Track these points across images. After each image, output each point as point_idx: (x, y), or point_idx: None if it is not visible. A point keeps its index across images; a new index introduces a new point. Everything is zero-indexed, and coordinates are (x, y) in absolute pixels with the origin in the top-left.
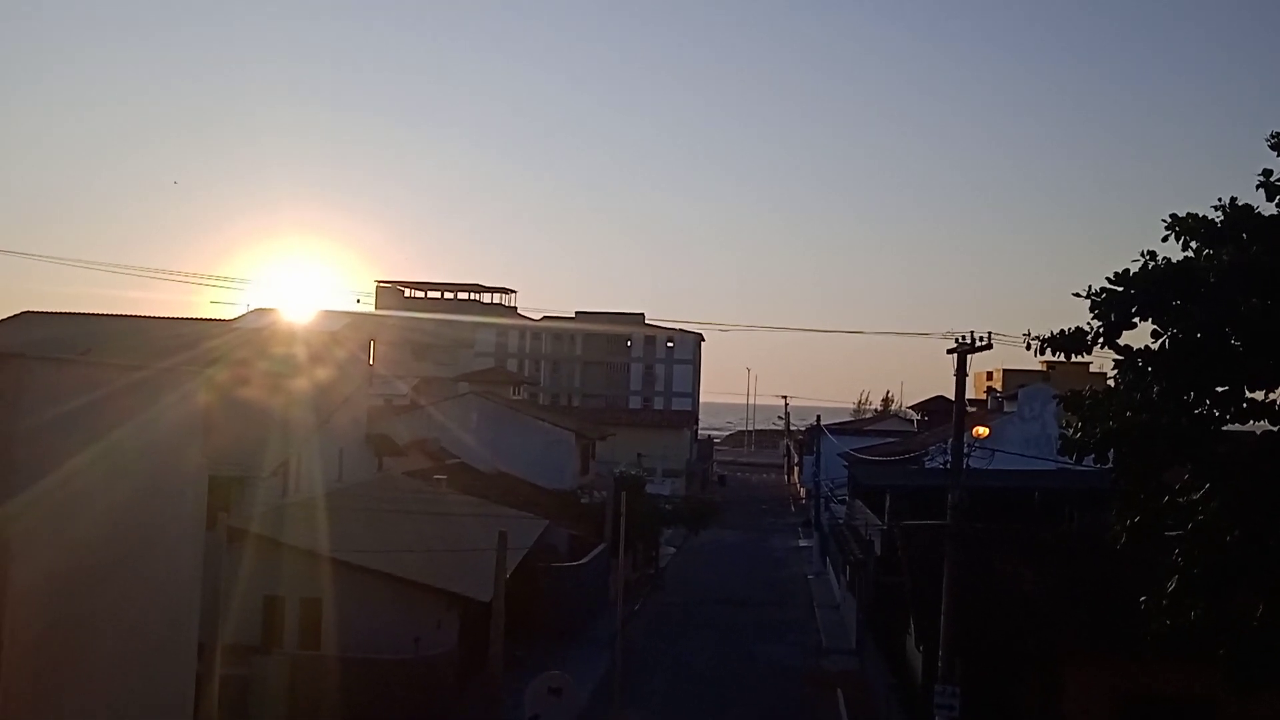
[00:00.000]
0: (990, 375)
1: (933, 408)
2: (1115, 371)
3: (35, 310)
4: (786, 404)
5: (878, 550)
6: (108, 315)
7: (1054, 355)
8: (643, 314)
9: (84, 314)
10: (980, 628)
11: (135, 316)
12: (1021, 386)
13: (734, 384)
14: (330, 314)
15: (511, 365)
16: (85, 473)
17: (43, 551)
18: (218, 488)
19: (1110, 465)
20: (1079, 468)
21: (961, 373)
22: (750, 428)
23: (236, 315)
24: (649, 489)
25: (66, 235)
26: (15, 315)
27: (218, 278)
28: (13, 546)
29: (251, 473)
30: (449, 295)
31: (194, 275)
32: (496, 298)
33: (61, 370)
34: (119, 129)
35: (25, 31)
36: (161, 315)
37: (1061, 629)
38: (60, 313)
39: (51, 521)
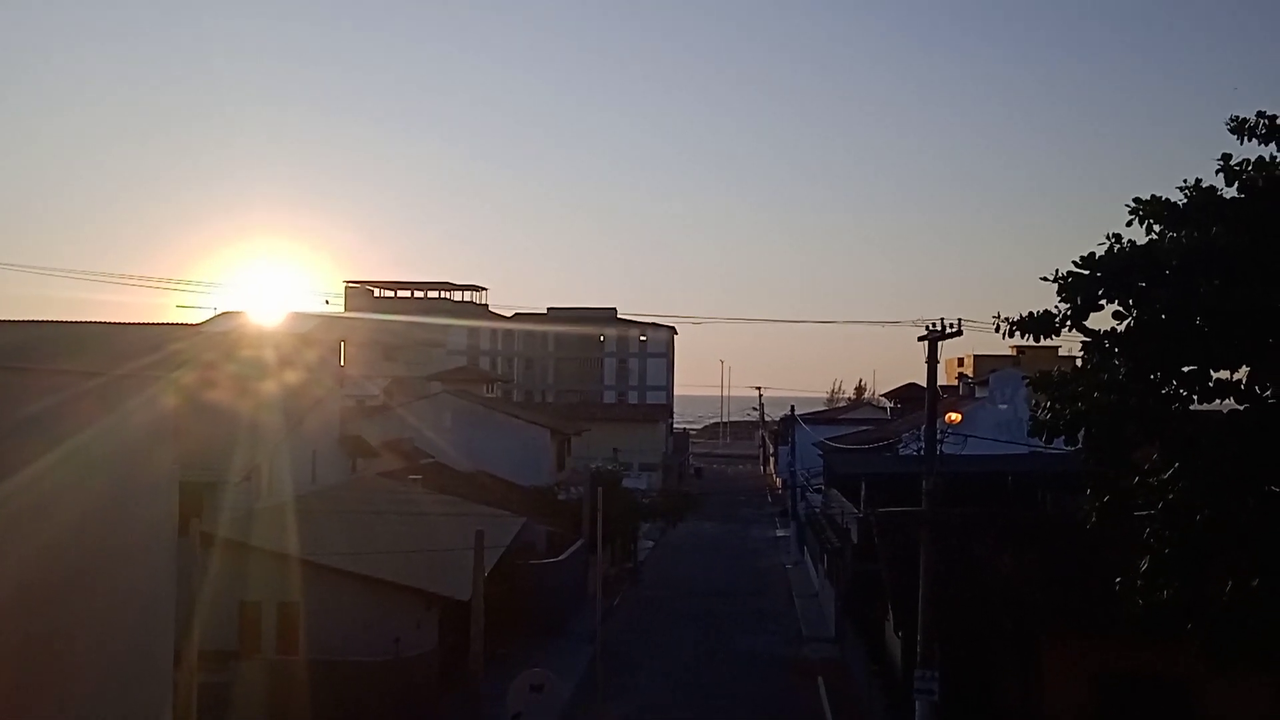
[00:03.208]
0: (961, 361)
1: (905, 395)
2: (1083, 354)
3: None
4: (760, 395)
5: (854, 538)
6: (72, 321)
7: (1023, 338)
8: (615, 308)
9: (47, 321)
10: (958, 612)
11: (100, 322)
12: (993, 371)
13: (708, 376)
14: (300, 316)
15: (484, 363)
16: (52, 480)
17: (12, 560)
18: (189, 493)
19: (1080, 446)
20: (1051, 450)
21: (933, 360)
22: (725, 419)
23: (204, 319)
24: (625, 483)
25: (33, 241)
26: None
27: (185, 281)
28: None
29: (223, 477)
30: (419, 294)
31: (161, 279)
32: (467, 295)
33: (23, 378)
34: (87, 132)
35: None
36: (127, 320)
37: (1039, 611)
38: (22, 320)
39: (19, 530)
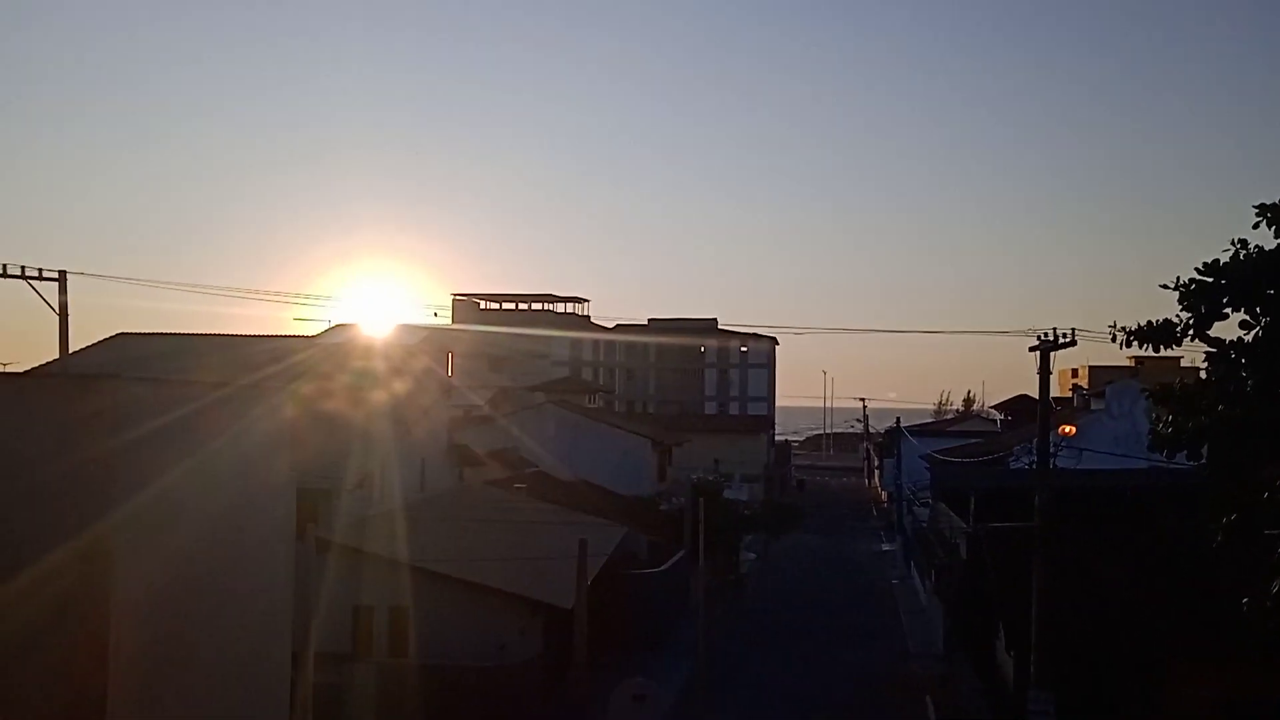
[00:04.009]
0: (1075, 373)
1: (1016, 407)
2: (1207, 364)
3: (129, 331)
4: (865, 406)
5: (963, 553)
6: (197, 334)
7: (1141, 349)
8: (715, 319)
9: (175, 334)
10: (1074, 631)
11: (223, 335)
12: (1109, 383)
13: (811, 387)
14: (409, 328)
15: (586, 374)
16: (180, 487)
17: (143, 564)
18: (305, 500)
19: (1203, 462)
20: (1172, 465)
21: (1045, 370)
22: (828, 431)
23: (320, 331)
24: (727, 494)
25: (166, 258)
26: (111, 337)
27: (303, 295)
28: (115, 559)
29: (337, 485)
30: (523, 306)
31: (281, 294)
32: (570, 307)
33: (156, 389)
34: (215, 160)
35: (120, 60)
36: (248, 333)
37: (1160, 632)
38: (152, 333)
39: (151, 535)
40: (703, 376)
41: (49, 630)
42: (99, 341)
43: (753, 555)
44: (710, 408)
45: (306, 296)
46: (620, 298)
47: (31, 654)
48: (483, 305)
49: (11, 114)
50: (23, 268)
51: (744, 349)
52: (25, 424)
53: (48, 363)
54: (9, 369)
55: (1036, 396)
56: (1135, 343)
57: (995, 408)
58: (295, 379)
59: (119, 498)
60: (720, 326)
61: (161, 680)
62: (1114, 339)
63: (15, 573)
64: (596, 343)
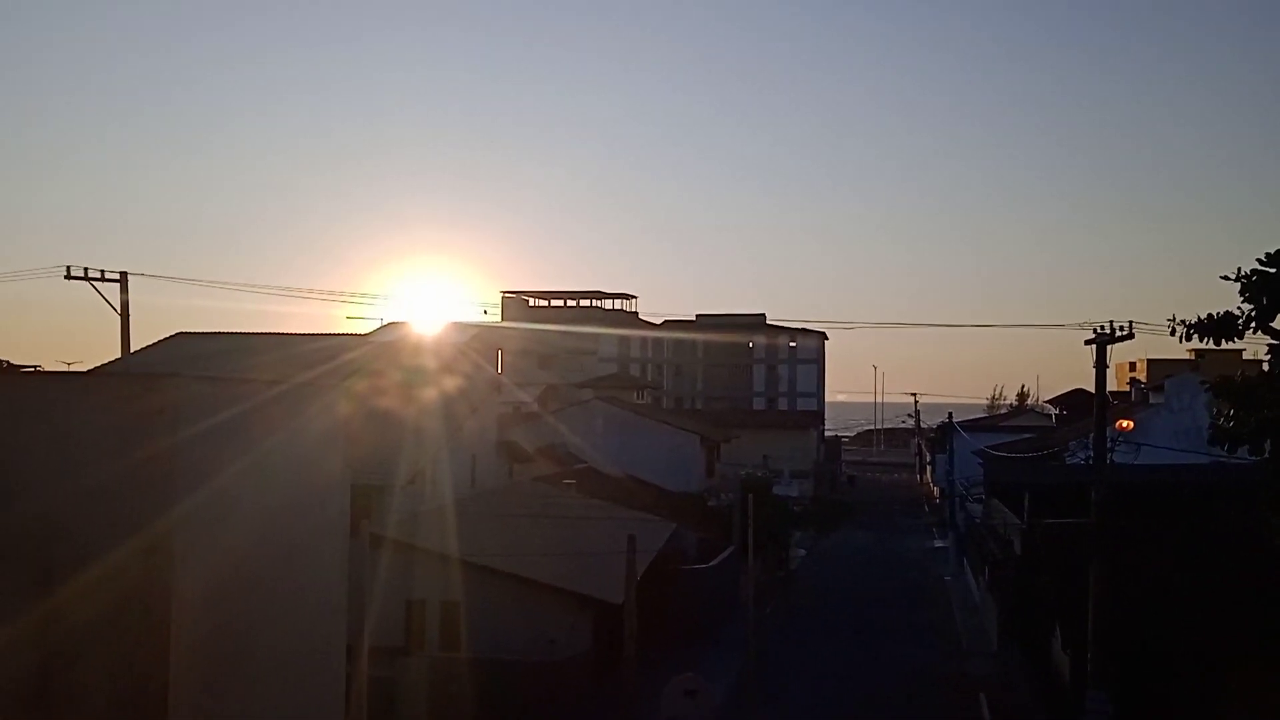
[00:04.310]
0: (1133, 366)
1: (1072, 401)
2: (1269, 357)
3: (187, 331)
4: (916, 401)
5: (1018, 550)
6: (253, 333)
7: (1202, 341)
8: (764, 314)
9: (231, 333)
10: (1132, 631)
11: (278, 333)
12: (1168, 377)
13: (861, 382)
14: (459, 326)
15: (634, 370)
16: (239, 483)
17: (203, 559)
18: (359, 496)
19: (1267, 457)
20: (1233, 460)
21: (1101, 364)
22: (879, 426)
23: (372, 329)
24: (776, 490)
25: (217, 257)
26: (170, 336)
27: (354, 294)
28: (176, 555)
29: (390, 481)
30: (572, 303)
31: (333, 292)
32: (618, 304)
33: (215, 387)
34: (269, 160)
35: (174, 65)
36: (302, 331)
37: (1221, 631)
38: (210, 332)
39: (210, 530)
40: (751, 372)
41: (113, 624)
42: (159, 341)
43: (802, 551)
44: (759, 403)
45: (358, 295)
46: (668, 294)
47: (96, 647)
48: (531, 302)
49: (70, 119)
50: (85, 269)
51: (793, 344)
52: (89, 422)
53: (110, 361)
54: (73, 368)
55: (1093, 391)
56: (1195, 335)
57: (1050, 402)
58: (349, 376)
59: (180, 494)
60: (769, 322)
61: (221, 672)
62: (1173, 332)
63: (80, 568)
64: (644, 339)
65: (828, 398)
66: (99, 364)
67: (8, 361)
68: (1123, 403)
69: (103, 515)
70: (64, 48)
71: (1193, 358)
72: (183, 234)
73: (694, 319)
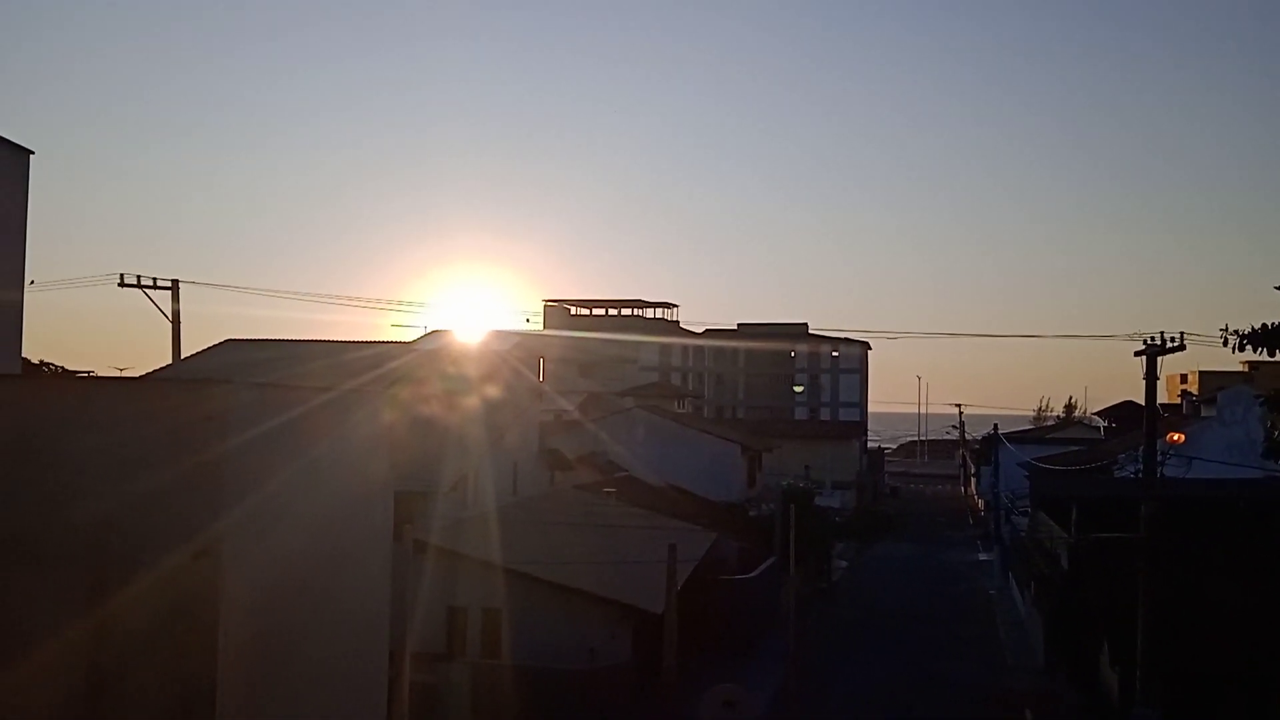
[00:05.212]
0: (1184, 378)
1: (1121, 413)
2: None
3: (236, 338)
4: (961, 412)
5: (1064, 564)
6: (300, 340)
7: (1255, 353)
8: (806, 324)
9: (279, 340)
10: (1182, 648)
11: (324, 341)
12: (1221, 389)
13: (905, 393)
14: (501, 334)
15: (675, 379)
16: (286, 489)
17: (251, 564)
18: (402, 502)
19: None
20: None
21: (1152, 375)
22: (923, 438)
23: (415, 337)
24: (818, 501)
25: (267, 266)
26: (219, 343)
27: (398, 302)
28: (225, 560)
29: (433, 488)
30: (613, 312)
31: (377, 301)
32: (659, 312)
33: (263, 394)
34: (314, 170)
35: (225, 81)
36: (347, 339)
37: (1274, 651)
38: (258, 339)
39: (258, 536)
40: (792, 382)
41: (164, 628)
42: (208, 347)
43: (844, 563)
44: (801, 413)
45: (402, 303)
46: (710, 303)
47: (148, 650)
48: (573, 311)
49: (124, 133)
50: (139, 277)
51: (835, 354)
52: (141, 427)
53: (162, 368)
54: (126, 373)
55: (1143, 403)
56: (1249, 346)
57: (1098, 414)
58: (393, 384)
59: (229, 499)
60: (811, 331)
61: (267, 676)
62: (1226, 343)
63: (132, 573)
64: (685, 348)
65: (870, 408)
66: (151, 370)
67: (63, 367)
68: (1174, 415)
69: (154, 520)
70: (119, 66)
71: (1246, 370)
72: (231, 243)
73: (736, 328)
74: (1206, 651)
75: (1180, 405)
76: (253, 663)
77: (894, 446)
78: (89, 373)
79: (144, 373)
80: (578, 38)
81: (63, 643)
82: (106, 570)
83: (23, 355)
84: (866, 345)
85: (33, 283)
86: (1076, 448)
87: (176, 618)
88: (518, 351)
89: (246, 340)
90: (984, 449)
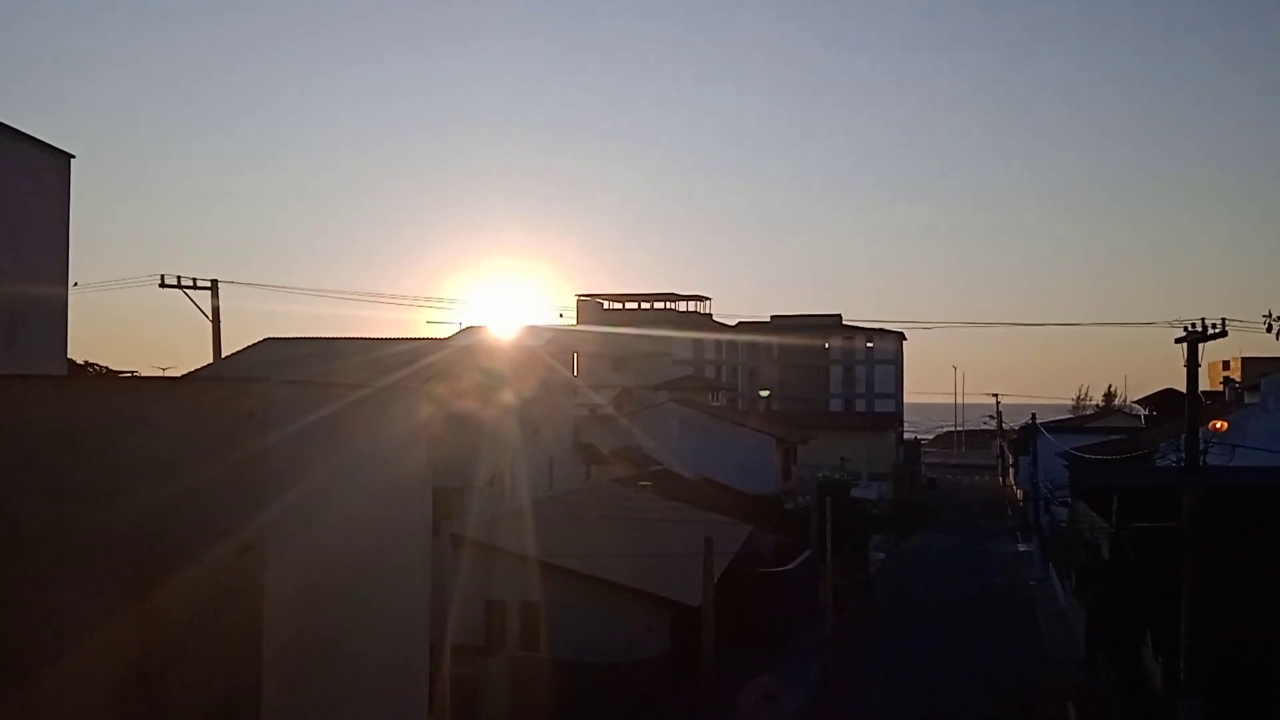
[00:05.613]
0: (1227, 365)
1: (1162, 402)
2: None
3: (275, 336)
4: (998, 402)
5: (1105, 555)
6: (337, 338)
7: None
8: (839, 315)
9: (317, 338)
10: (1226, 638)
11: (361, 338)
12: (1264, 375)
13: (941, 383)
14: (535, 329)
15: (709, 372)
16: (326, 485)
17: (293, 559)
18: (440, 497)
19: None
20: None
21: (1193, 363)
22: (959, 428)
23: (450, 333)
24: (854, 493)
25: (303, 264)
26: (258, 342)
27: (433, 298)
28: (268, 555)
29: (470, 483)
30: (646, 306)
31: (412, 297)
32: (692, 306)
33: (303, 391)
34: (348, 169)
35: (259, 81)
36: (383, 335)
37: None
38: (296, 337)
39: (299, 531)
40: (828, 373)
41: (208, 622)
42: (248, 346)
43: (881, 555)
44: (836, 405)
45: (436, 299)
46: (743, 295)
47: (193, 644)
48: (606, 305)
49: (163, 134)
50: (179, 278)
51: (870, 345)
52: (184, 425)
53: (203, 366)
54: (167, 373)
55: (1184, 390)
56: None
57: (1139, 403)
58: (430, 380)
59: (270, 496)
60: (845, 323)
61: (310, 669)
62: (1269, 329)
63: (178, 569)
64: (719, 341)
65: (906, 399)
66: (192, 369)
67: (107, 367)
68: (1216, 403)
69: (197, 516)
70: (158, 71)
71: None
72: (268, 241)
73: (769, 320)
74: (1251, 641)
75: (1223, 392)
76: (296, 658)
77: (931, 437)
78: (132, 373)
79: (186, 372)
80: (610, 33)
81: (109, 637)
82: (151, 566)
83: (68, 356)
84: (901, 336)
85: (76, 284)
86: (1117, 437)
87: (220, 613)
88: (551, 347)
89: (285, 338)
90: (1022, 439)
